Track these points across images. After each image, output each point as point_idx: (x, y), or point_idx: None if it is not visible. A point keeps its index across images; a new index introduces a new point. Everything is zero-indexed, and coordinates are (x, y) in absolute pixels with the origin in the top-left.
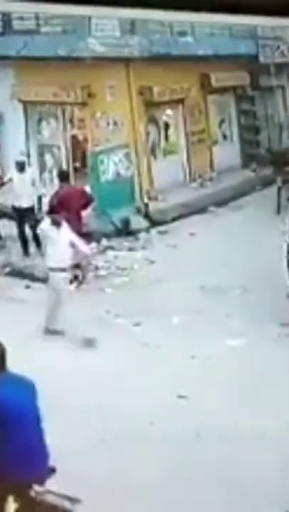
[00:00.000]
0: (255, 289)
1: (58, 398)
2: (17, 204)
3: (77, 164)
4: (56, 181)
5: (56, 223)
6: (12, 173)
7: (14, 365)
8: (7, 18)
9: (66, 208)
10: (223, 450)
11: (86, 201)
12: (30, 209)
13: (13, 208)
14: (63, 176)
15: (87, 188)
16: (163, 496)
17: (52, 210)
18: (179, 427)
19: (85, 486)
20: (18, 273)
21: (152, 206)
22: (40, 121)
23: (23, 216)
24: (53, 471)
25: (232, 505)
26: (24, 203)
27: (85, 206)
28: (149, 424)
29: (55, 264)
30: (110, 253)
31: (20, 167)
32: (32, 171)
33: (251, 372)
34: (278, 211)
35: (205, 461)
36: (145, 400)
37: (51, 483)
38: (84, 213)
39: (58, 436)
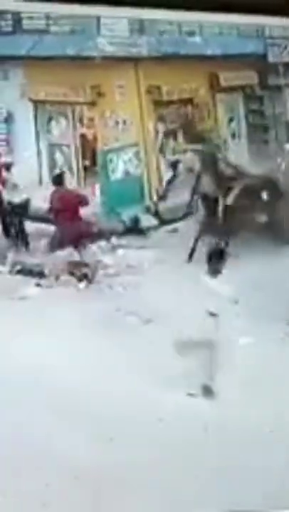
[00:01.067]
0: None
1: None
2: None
3: (87, 163)
4: (67, 178)
5: None
6: None
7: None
8: (17, 17)
9: (61, 211)
10: (231, 448)
11: (82, 204)
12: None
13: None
14: (58, 180)
15: (96, 188)
16: (170, 492)
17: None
18: (188, 424)
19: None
20: (28, 271)
21: (162, 205)
22: (50, 120)
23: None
24: None
25: (239, 502)
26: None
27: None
28: (158, 420)
29: None
30: (120, 251)
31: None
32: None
33: (258, 370)
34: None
35: (212, 459)
36: (155, 398)
37: None
38: (89, 212)
39: (63, 433)
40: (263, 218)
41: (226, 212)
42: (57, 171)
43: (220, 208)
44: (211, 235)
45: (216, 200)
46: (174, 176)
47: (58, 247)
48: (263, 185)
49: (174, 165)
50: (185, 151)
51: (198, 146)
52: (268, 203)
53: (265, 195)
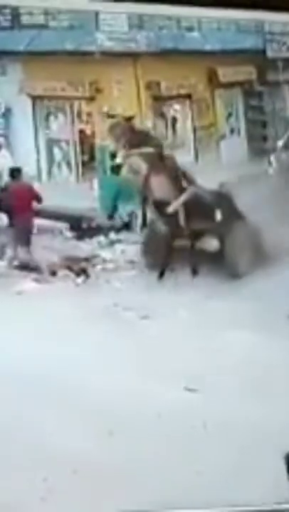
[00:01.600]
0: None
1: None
2: None
3: (85, 158)
4: (65, 174)
5: None
6: None
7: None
8: (15, 12)
9: (15, 205)
10: (230, 444)
11: (35, 199)
12: None
13: None
14: (15, 174)
15: (94, 183)
16: (169, 486)
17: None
18: (187, 419)
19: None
20: (25, 266)
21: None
22: (48, 115)
23: None
24: None
25: (238, 498)
26: None
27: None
28: (157, 416)
29: None
30: (118, 246)
31: None
32: None
33: (260, 365)
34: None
35: (211, 454)
36: (153, 393)
37: None
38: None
39: (66, 428)
40: (212, 244)
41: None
42: (14, 166)
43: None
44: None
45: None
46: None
47: (13, 243)
48: (215, 202)
49: (115, 169)
50: (129, 156)
51: (146, 149)
52: (221, 224)
53: (218, 215)
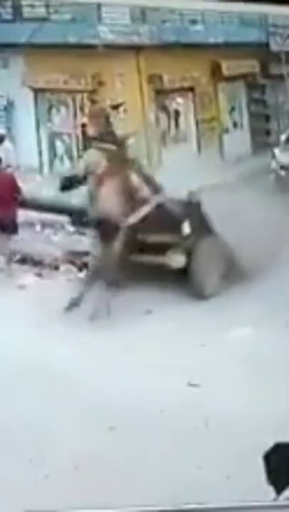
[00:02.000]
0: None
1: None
2: None
3: None
4: (67, 168)
5: None
6: None
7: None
8: (17, 5)
9: None
10: (233, 439)
11: (14, 190)
12: None
13: None
14: None
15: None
16: (171, 482)
17: None
18: (189, 414)
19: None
20: (28, 260)
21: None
22: (50, 108)
23: None
24: None
25: (241, 493)
26: None
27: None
28: (159, 412)
29: None
30: None
31: None
32: None
33: (261, 360)
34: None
35: (214, 449)
36: (156, 388)
37: None
38: None
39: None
40: (178, 261)
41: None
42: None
43: (120, 237)
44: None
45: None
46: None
47: None
48: (183, 213)
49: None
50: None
51: (109, 146)
52: (189, 238)
53: (185, 228)
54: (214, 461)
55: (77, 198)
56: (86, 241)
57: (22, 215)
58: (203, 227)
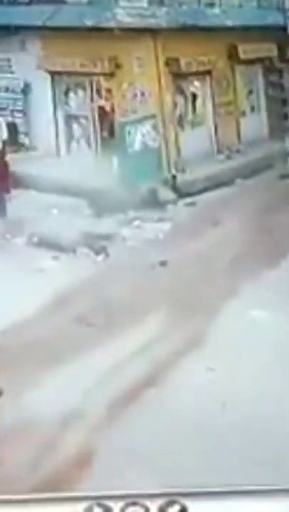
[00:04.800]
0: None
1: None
2: None
3: (105, 134)
4: (84, 151)
5: None
6: None
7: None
8: None
9: None
10: (249, 420)
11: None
12: None
13: None
14: None
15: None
16: (187, 463)
17: None
18: (206, 398)
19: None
20: (45, 243)
21: (180, 178)
22: (67, 91)
23: None
24: None
25: (254, 472)
26: None
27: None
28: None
29: None
30: (137, 224)
31: None
32: None
33: (276, 344)
34: None
35: (230, 431)
36: (174, 373)
37: None
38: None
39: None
40: None
41: None
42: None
43: None
44: None
45: None
46: None
47: None
48: None
49: None
50: None
51: None
52: None
53: None
54: (230, 445)
55: (95, 181)
56: (103, 224)
57: (39, 198)
58: None
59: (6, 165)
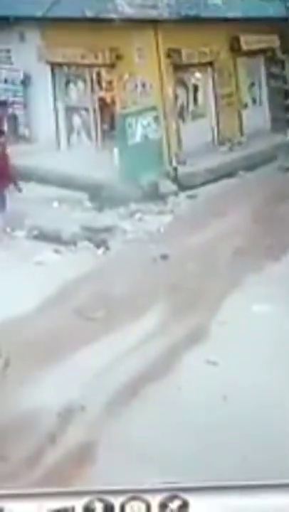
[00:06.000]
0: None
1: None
2: None
3: (106, 126)
4: (84, 143)
5: None
6: None
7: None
8: None
9: None
10: (250, 414)
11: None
12: None
13: None
14: None
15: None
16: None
17: None
18: (207, 391)
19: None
20: (45, 236)
21: (181, 170)
22: (67, 83)
23: None
24: None
25: (255, 467)
26: None
27: None
28: (177, 388)
29: None
30: (138, 217)
31: None
32: None
33: (278, 337)
34: None
35: (231, 425)
36: (174, 366)
37: None
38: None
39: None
40: None
41: None
42: None
43: None
44: None
45: None
46: None
47: None
48: None
49: None
50: None
51: None
52: None
53: None
54: (231, 437)
55: (96, 173)
56: (104, 217)
57: (40, 190)
58: None
59: (6, 158)
